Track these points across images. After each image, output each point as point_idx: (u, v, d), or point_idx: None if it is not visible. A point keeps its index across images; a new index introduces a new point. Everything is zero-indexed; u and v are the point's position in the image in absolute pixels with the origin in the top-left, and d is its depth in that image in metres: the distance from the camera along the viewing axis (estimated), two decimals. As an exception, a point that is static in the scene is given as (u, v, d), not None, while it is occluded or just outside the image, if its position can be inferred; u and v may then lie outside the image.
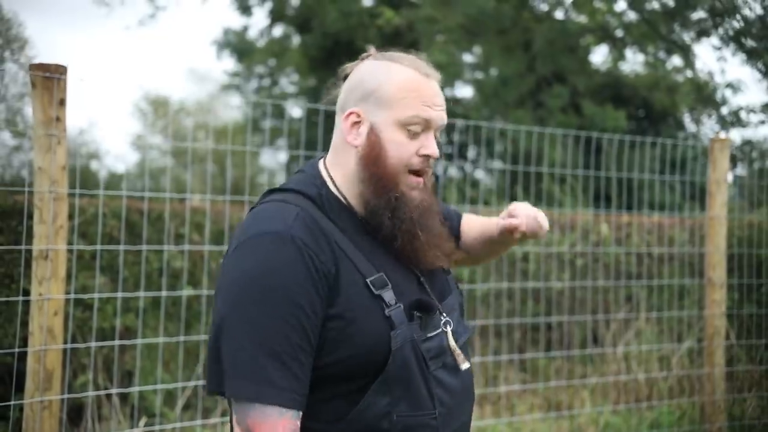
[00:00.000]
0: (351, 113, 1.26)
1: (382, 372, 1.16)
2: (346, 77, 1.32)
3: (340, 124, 1.28)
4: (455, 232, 1.63)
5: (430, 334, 1.22)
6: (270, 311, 1.11)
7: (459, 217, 1.68)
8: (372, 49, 1.33)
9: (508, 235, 1.57)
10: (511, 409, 3.99)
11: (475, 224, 1.66)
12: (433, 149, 1.26)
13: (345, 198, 1.27)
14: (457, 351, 1.27)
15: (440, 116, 1.27)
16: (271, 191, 1.28)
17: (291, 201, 1.22)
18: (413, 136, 1.25)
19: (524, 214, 1.54)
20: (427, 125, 1.25)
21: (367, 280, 1.18)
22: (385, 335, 1.16)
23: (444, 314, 1.28)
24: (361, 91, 1.26)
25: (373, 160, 1.23)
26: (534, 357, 4.40)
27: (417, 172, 1.27)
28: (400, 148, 1.24)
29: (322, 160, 1.32)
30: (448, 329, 1.27)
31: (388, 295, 1.19)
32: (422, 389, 1.20)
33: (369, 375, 1.17)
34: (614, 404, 3.98)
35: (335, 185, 1.27)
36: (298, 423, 1.13)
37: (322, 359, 1.16)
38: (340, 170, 1.28)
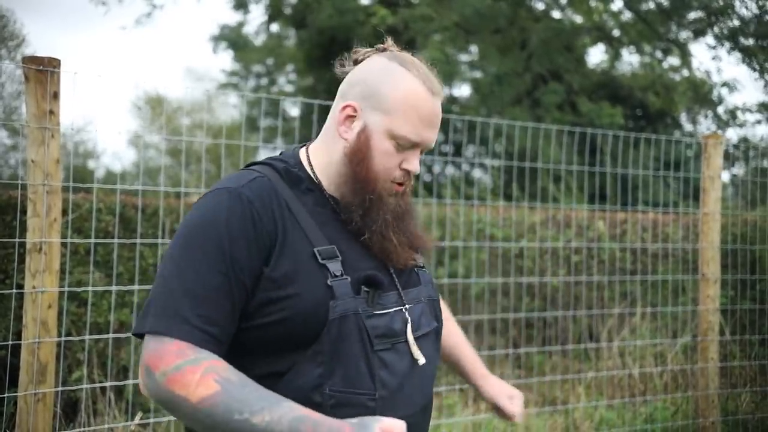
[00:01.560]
0: (348, 106, 1.25)
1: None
2: (356, 62, 1.31)
3: (335, 112, 1.28)
4: None
5: (378, 312, 1.20)
6: (197, 256, 1.13)
7: None
8: (389, 42, 1.32)
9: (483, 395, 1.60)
10: (506, 405, 3.99)
11: (451, 330, 1.62)
12: (415, 166, 1.26)
13: (317, 178, 1.28)
14: (411, 340, 1.24)
15: (431, 138, 1.27)
16: (249, 164, 1.31)
17: (257, 170, 1.25)
18: (400, 148, 1.24)
19: (520, 412, 1.57)
20: (415, 145, 1.26)
21: (315, 249, 1.18)
22: (324, 304, 1.15)
23: (403, 298, 1.26)
24: (364, 87, 1.25)
25: (358, 159, 1.24)
26: (529, 352, 4.41)
27: (397, 183, 1.27)
28: (385, 157, 1.24)
29: (305, 147, 1.33)
30: (406, 313, 1.24)
31: (334, 266, 1.18)
32: (361, 367, 1.17)
33: (308, 346, 1.16)
34: (609, 399, 3.99)
35: (311, 166, 1.28)
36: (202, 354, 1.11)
37: (262, 318, 1.16)
38: (324, 155, 1.29)
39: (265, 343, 1.17)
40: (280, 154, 1.34)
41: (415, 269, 1.34)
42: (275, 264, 1.16)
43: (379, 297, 1.21)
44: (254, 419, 1.04)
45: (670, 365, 4.22)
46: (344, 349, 1.16)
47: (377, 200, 1.24)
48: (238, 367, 1.15)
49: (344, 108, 1.25)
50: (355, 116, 1.25)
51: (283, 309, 1.15)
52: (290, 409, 1.06)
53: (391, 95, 1.22)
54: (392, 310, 1.23)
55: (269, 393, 1.09)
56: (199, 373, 1.07)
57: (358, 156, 1.23)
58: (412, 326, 1.25)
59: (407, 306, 1.26)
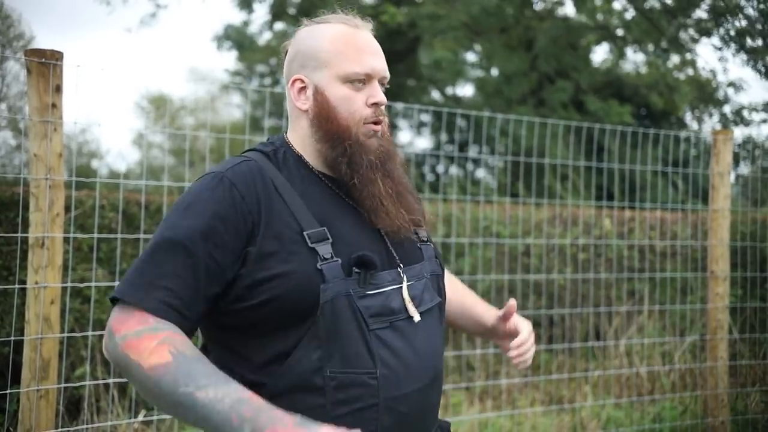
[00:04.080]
0: (295, 80, 1.31)
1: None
2: (286, 51, 1.38)
3: (289, 94, 1.34)
4: None
5: (370, 292, 1.21)
6: (173, 234, 1.16)
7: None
8: (304, 21, 1.37)
9: (500, 323, 1.53)
10: (512, 403, 3.96)
11: (458, 290, 1.61)
12: (380, 97, 1.29)
13: (302, 156, 1.32)
14: (410, 305, 1.25)
15: (379, 64, 1.31)
16: (242, 152, 1.35)
17: (246, 155, 1.30)
18: (358, 88, 1.29)
19: (527, 330, 1.51)
20: (368, 76, 1.29)
21: (305, 233, 1.20)
22: (315, 286, 1.17)
23: (402, 274, 1.27)
24: (299, 57, 1.32)
25: (324, 118, 1.28)
26: (536, 350, 4.37)
27: (372, 122, 1.30)
28: (347, 102, 1.28)
29: (286, 133, 1.40)
30: (404, 288, 1.25)
31: (324, 249, 1.20)
32: (359, 346, 1.18)
33: (301, 327, 1.18)
34: (616, 398, 3.95)
35: (293, 147, 1.34)
36: (162, 327, 1.12)
37: (255, 298, 1.18)
38: (297, 136, 1.34)
39: (263, 323, 1.19)
40: (268, 139, 1.39)
41: (419, 244, 1.35)
42: (261, 244, 1.18)
43: (372, 277, 1.22)
44: (198, 393, 1.04)
45: (677, 364, 4.18)
46: (340, 331, 1.17)
47: (357, 144, 1.27)
48: (243, 350, 1.20)
49: (292, 84, 1.32)
50: (305, 85, 1.31)
51: (274, 288, 1.17)
52: (235, 391, 1.05)
53: (323, 47, 1.29)
54: (388, 288, 1.24)
55: (219, 372, 1.09)
56: (156, 342, 1.09)
57: (323, 114, 1.28)
58: (414, 302, 1.26)
59: (408, 283, 1.26)
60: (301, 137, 1.33)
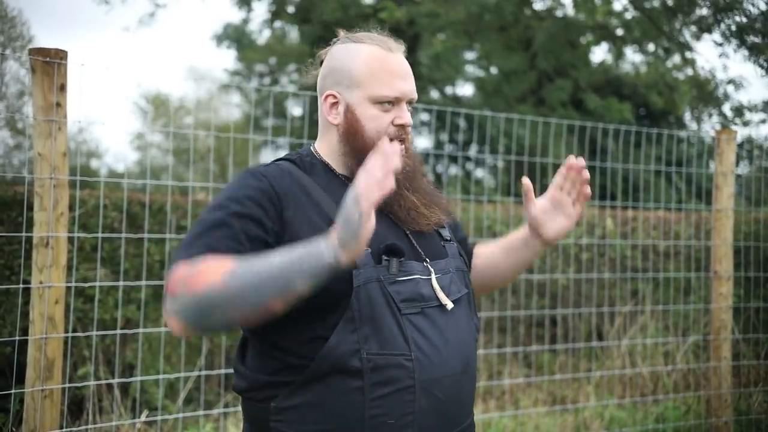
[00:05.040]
0: (328, 96, 1.39)
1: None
2: (321, 62, 1.45)
3: (321, 107, 1.42)
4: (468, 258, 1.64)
5: (400, 278, 1.28)
6: (215, 215, 1.25)
7: (470, 248, 1.65)
8: (341, 33, 1.45)
9: (535, 224, 1.50)
10: (515, 403, 3.95)
11: (489, 245, 1.66)
12: (406, 119, 1.37)
13: (329, 164, 1.41)
14: (441, 292, 1.31)
15: (408, 87, 1.38)
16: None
17: (275, 162, 1.41)
18: (386, 109, 1.36)
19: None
20: (397, 99, 1.37)
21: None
22: (347, 272, 1.22)
23: (428, 264, 1.33)
24: (334, 74, 1.40)
25: (352, 135, 1.36)
26: (538, 350, 4.37)
27: (396, 139, 1.37)
28: (375, 122, 1.35)
29: (313, 143, 1.49)
30: (432, 278, 1.32)
31: None
32: (393, 329, 1.25)
33: (336, 311, 1.24)
34: (619, 398, 3.94)
35: (320, 156, 1.43)
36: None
37: None
38: (326, 146, 1.42)
39: (300, 307, 1.22)
40: (295, 151, 1.47)
41: (442, 243, 1.42)
42: (291, 233, 1.26)
43: (401, 265, 1.29)
44: (272, 260, 1.15)
45: (680, 364, 4.18)
46: (375, 315, 1.24)
47: None
48: (283, 338, 1.27)
49: (325, 99, 1.40)
50: (337, 101, 1.38)
51: None
52: (297, 248, 1.16)
53: (357, 68, 1.36)
54: (417, 276, 1.30)
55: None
56: (212, 265, 1.16)
57: (351, 131, 1.36)
58: (443, 291, 1.33)
59: (436, 275, 1.33)
60: (329, 147, 1.41)
